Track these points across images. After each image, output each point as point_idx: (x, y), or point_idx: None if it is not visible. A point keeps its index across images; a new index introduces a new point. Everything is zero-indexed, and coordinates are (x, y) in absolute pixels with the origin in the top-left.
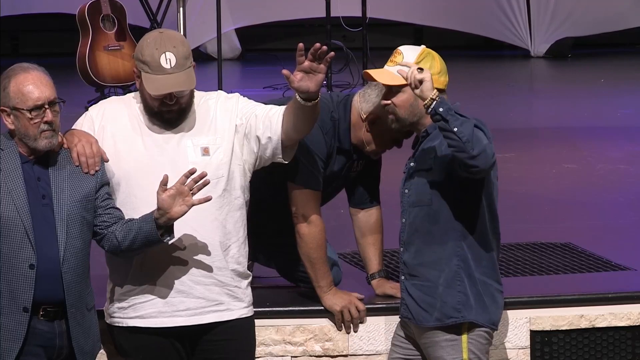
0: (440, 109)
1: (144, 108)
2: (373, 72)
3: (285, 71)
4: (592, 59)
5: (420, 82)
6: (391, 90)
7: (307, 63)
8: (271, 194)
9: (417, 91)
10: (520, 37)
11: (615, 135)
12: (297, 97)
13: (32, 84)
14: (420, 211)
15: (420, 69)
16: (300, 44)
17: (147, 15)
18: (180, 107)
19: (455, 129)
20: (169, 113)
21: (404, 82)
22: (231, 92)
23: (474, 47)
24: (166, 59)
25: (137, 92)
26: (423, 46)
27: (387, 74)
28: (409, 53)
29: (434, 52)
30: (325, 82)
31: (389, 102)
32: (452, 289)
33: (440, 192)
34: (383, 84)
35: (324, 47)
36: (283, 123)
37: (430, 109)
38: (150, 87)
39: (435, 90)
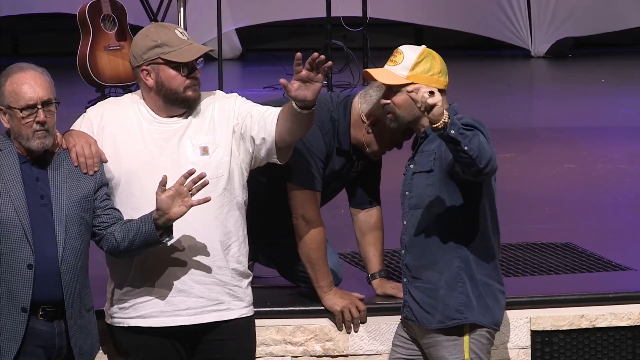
0: (452, 132)
1: (165, 99)
2: (373, 72)
3: (282, 80)
4: (593, 59)
5: (432, 106)
6: (391, 90)
7: (304, 72)
8: (271, 195)
9: (429, 115)
10: (520, 37)
11: (615, 135)
12: (294, 104)
13: (27, 84)
14: (421, 213)
15: (432, 93)
16: (298, 54)
17: (147, 15)
18: (199, 84)
19: (466, 147)
20: (194, 90)
21: (404, 81)
22: (231, 92)
23: (474, 47)
24: (181, 33)
25: (136, 93)
26: (423, 46)
27: (388, 73)
28: (409, 53)
29: (434, 52)
30: (325, 82)
31: (388, 101)
32: (453, 291)
33: (441, 194)
34: (383, 84)
35: (322, 57)
36: (277, 125)
37: (443, 133)
38: (182, 56)
39: (446, 112)
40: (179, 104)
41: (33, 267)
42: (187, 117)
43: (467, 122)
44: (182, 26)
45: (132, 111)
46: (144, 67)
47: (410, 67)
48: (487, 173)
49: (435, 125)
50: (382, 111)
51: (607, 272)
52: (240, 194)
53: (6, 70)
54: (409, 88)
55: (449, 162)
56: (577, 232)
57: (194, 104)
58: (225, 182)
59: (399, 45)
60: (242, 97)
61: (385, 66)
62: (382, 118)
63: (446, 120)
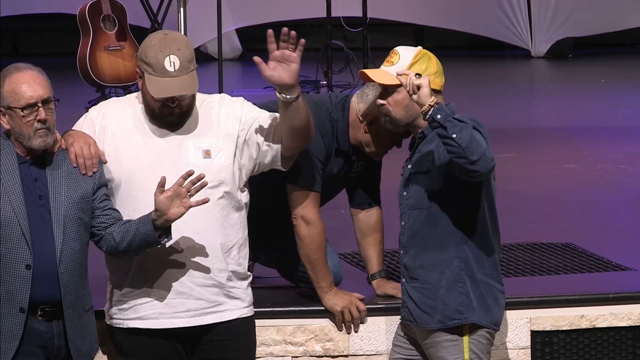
0: (438, 116)
1: (145, 109)
2: (369, 72)
3: (256, 58)
4: (593, 59)
5: (418, 87)
6: (387, 91)
7: (278, 51)
8: (271, 195)
9: (415, 97)
10: (520, 37)
11: (615, 135)
12: (277, 93)
13: (26, 83)
14: (419, 214)
15: (418, 75)
16: (270, 30)
17: (147, 15)
18: (182, 110)
19: (454, 135)
20: (170, 116)
21: (399, 82)
22: (232, 92)
23: (474, 47)
24: (170, 62)
25: (138, 93)
26: (419, 47)
27: (384, 74)
28: (405, 53)
29: (430, 53)
30: (325, 83)
31: (384, 102)
32: (453, 291)
33: (439, 195)
34: (379, 84)
35: (293, 32)
36: (279, 130)
37: (427, 116)
38: (154, 89)
39: (433, 97)
40: (156, 118)
41: (31, 267)
42: (190, 119)
43: (464, 120)
44: (182, 26)
45: (133, 111)
46: (137, 68)
47: (406, 67)
48: (479, 170)
49: (422, 110)
50: (379, 111)
51: (607, 272)
52: (241, 197)
53: (3, 71)
54: (399, 72)
55: (446, 163)
56: (577, 232)
57: (170, 125)
58: (226, 185)
59: (399, 45)
60: (248, 102)
61: (382, 67)
62: (379, 117)
63: (432, 104)
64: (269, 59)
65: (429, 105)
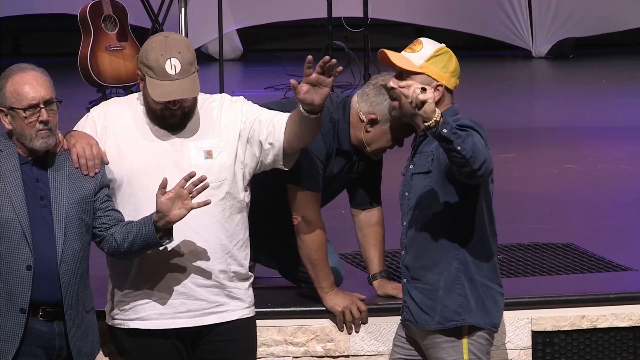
0: (444, 131)
1: (146, 111)
2: (389, 53)
3: (293, 81)
4: (594, 59)
5: (423, 103)
6: (401, 76)
7: (314, 75)
8: (272, 196)
9: (420, 112)
10: (521, 38)
11: (616, 135)
12: (301, 108)
13: (28, 84)
14: (420, 214)
15: (423, 89)
16: (309, 57)
17: (148, 15)
18: (184, 112)
19: (459, 148)
20: (172, 117)
21: (416, 69)
22: (232, 93)
23: (475, 47)
24: (171, 65)
25: (139, 93)
26: (443, 45)
27: (402, 58)
28: (428, 45)
29: (451, 52)
30: None
31: (395, 86)
32: (452, 293)
33: (440, 195)
34: (396, 67)
35: (333, 61)
36: (286, 131)
37: (434, 131)
38: (154, 92)
39: (438, 111)
40: (157, 120)
41: (32, 268)
42: (191, 120)
43: (464, 123)
44: (183, 27)
45: (135, 112)
46: (138, 70)
47: (427, 58)
48: (481, 175)
49: (427, 124)
50: (389, 94)
51: (607, 272)
52: (243, 197)
53: (6, 71)
54: (401, 84)
55: (446, 164)
56: (578, 232)
57: (171, 127)
58: (228, 185)
59: (400, 46)
60: (248, 101)
61: (402, 52)
62: (381, 117)
63: (438, 119)
64: (302, 81)
65: (435, 120)
